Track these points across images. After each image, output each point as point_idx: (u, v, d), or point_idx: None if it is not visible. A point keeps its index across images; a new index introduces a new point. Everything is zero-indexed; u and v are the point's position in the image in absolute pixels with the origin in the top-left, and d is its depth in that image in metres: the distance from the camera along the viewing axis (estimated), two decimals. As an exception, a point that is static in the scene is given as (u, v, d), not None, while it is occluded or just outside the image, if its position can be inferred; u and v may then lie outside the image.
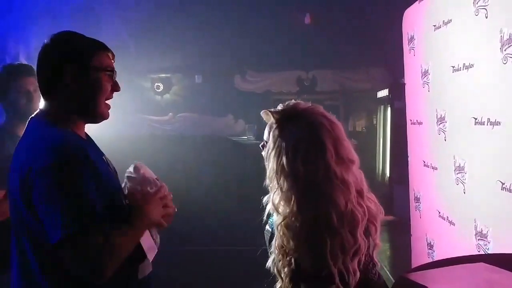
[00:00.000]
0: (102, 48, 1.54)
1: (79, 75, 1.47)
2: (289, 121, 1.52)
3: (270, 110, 1.60)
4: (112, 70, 1.55)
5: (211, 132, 9.13)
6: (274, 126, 1.54)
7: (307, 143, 1.46)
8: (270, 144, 1.53)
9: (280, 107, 1.59)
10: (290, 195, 1.45)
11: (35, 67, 1.68)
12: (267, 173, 1.54)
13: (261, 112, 1.64)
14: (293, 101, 1.60)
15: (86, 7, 7.07)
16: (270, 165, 1.51)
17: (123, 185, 1.68)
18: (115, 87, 1.56)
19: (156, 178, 1.70)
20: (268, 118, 1.61)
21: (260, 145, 1.69)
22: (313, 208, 1.42)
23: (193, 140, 8.61)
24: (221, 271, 4.65)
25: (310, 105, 1.57)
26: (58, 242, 1.30)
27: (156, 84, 9.85)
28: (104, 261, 1.33)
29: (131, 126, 8.71)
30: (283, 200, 1.48)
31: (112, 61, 1.57)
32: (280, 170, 1.47)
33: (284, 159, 1.46)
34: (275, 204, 1.50)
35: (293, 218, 1.45)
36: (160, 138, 8.84)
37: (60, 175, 1.33)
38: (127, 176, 1.70)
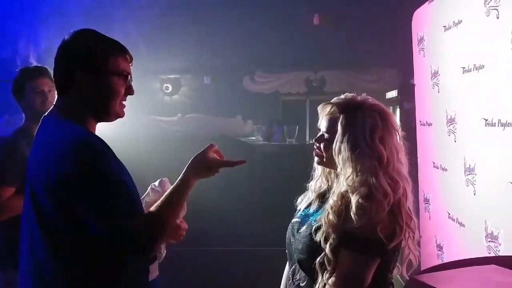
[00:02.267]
0: (118, 50, 1.52)
1: (92, 78, 1.47)
2: (356, 111, 1.61)
3: (331, 102, 1.68)
4: (127, 75, 1.53)
5: (220, 133, 9.12)
6: (342, 116, 1.62)
7: (382, 129, 1.58)
8: (341, 132, 1.59)
9: (335, 100, 1.68)
10: (369, 177, 1.52)
11: (45, 65, 1.68)
12: (339, 161, 1.59)
13: (320, 105, 1.73)
14: (347, 94, 1.70)
15: (97, 8, 7.10)
16: (344, 153, 1.57)
17: (143, 195, 1.73)
18: (129, 91, 1.55)
19: None
20: (326, 111, 1.70)
21: (315, 139, 1.73)
22: (395, 188, 1.53)
23: (201, 141, 8.56)
24: (228, 272, 4.65)
25: (366, 97, 1.68)
26: (104, 233, 1.34)
27: (165, 85, 9.87)
28: (152, 239, 1.41)
29: (139, 126, 8.73)
30: (358, 183, 1.53)
31: (130, 64, 1.55)
32: (359, 154, 1.54)
33: (363, 143, 1.55)
34: (351, 187, 1.54)
35: (372, 198, 1.50)
36: (169, 139, 8.85)
37: (96, 169, 1.34)
38: (152, 188, 1.75)
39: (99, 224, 1.34)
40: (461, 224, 2.68)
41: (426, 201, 3.38)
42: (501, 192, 2.17)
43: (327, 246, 1.53)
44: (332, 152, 1.63)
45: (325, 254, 1.54)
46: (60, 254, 1.40)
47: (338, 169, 1.62)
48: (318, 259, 1.56)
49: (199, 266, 4.79)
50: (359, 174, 1.54)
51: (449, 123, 2.80)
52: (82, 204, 1.35)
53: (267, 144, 7.90)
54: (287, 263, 1.81)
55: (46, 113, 1.55)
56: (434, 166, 3.13)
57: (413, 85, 3.70)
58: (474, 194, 2.47)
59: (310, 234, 1.62)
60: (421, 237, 3.51)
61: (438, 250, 3.09)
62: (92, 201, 1.34)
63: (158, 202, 1.51)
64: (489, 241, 2.29)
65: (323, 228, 1.56)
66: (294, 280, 1.72)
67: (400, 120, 7.94)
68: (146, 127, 9.18)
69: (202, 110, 9.79)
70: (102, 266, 1.40)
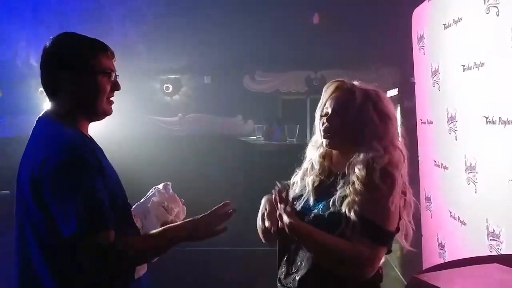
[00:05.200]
0: (99, 49, 1.56)
1: (77, 79, 1.51)
2: (366, 85, 1.74)
3: (340, 80, 1.78)
4: (111, 72, 1.56)
5: (220, 133, 9.14)
6: (358, 89, 1.70)
7: (388, 97, 1.75)
8: (362, 102, 1.68)
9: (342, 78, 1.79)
10: (394, 139, 1.70)
11: None
12: (366, 131, 1.67)
13: (328, 84, 1.79)
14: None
15: (96, 9, 7.11)
16: (372, 119, 1.67)
17: (148, 195, 1.77)
18: (115, 87, 1.59)
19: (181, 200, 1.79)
20: (334, 89, 1.76)
21: (327, 119, 1.73)
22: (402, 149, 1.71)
23: (202, 141, 8.62)
24: (228, 271, 4.65)
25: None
26: (70, 237, 1.35)
27: (165, 85, 9.89)
28: (110, 261, 1.38)
29: (140, 127, 8.75)
30: (386, 147, 1.65)
31: (112, 61, 1.58)
32: (386, 118, 1.69)
33: (386, 108, 1.70)
34: (379, 152, 1.64)
35: (395, 163, 1.65)
36: (169, 139, 8.86)
37: (72, 172, 1.37)
38: (157, 190, 1.78)
39: (67, 227, 1.35)
40: (462, 222, 2.67)
41: (428, 199, 3.38)
42: (502, 190, 2.17)
43: (352, 212, 1.57)
44: (350, 127, 1.68)
45: (350, 223, 1.58)
46: (47, 253, 1.43)
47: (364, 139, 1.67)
48: (339, 230, 1.59)
49: (198, 266, 4.80)
50: (383, 138, 1.65)
51: (450, 121, 2.80)
52: (54, 204, 1.38)
53: (268, 144, 7.91)
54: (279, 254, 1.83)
55: (41, 114, 1.58)
56: (435, 165, 3.13)
57: (414, 84, 3.69)
58: (475, 193, 2.47)
59: (322, 219, 1.65)
60: (423, 236, 3.52)
61: (440, 249, 3.08)
62: (62, 205, 1.36)
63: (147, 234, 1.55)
64: (490, 240, 2.29)
65: (349, 198, 1.60)
66: (290, 272, 1.74)
67: (401, 119, 7.93)
68: (147, 127, 9.20)
69: (202, 110, 9.80)
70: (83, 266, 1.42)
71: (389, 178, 1.60)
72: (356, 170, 1.62)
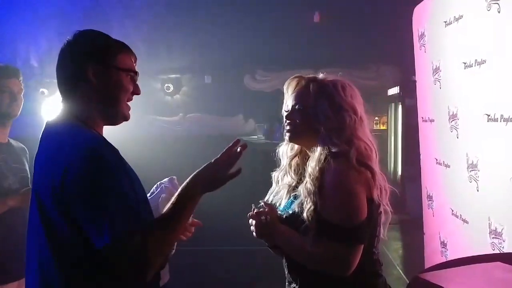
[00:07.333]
0: (125, 49, 1.52)
1: (101, 73, 1.44)
2: (323, 79, 1.73)
3: (298, 76, 1.77)
4: (135, 72, 1.53)
5: (221, 132, 9.13)
6: (312, 84, 1.71)
7: (350, 88, 1.70)
8: (316, 96, 1.68)
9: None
10: (352, 132, 1.64)
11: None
12: (320, 125, 1.66)
13: (286, 82, 1.79)
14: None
15: (96, 9, 7.10)
16: (325, 112, 1.65)
17: (153, 190, 1.77)
18: (136, 90, 1.53)
19: None
20: (293, 86, 1.77)
21: (286, 117, 1.76)
22: (367, 145, 1.66)
23: (203, 140, 8.61)
24: (230, 271, 4.65)
25: None
26: (103, 248, 1.26)
27: (166, 85, 9.89)
28: (149, 261, 1.31)
29: (141, 127, 8.73)
30: (342, 141, 1.62)
31: (134, 64, 1.54)
32: (338, 110, 1.65)
33: (340, 99, 1.66)
34: (334, 147, 1.62)
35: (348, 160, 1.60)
36: (170, 139, 8.85)
37: (99, 178, 1.29)
38: (164, 186, 1.76)
39: (101, 237, 1.27)
40: (464, 220, 2.66)
41: (429, 198, 3.37)
42: (504, 188, 2.16)
43: (305, 213, 1.59)
44: (308, 122, 1.68)
45: (305, 223, 1.59)
46: (68, 268, 1.35)
47: (320, 133, 1.66)
48: (302, 227, 1.61)
49: (200, 265, 4.79)
50: (342, 131, 1.63)
51: (451, 119, 2.79)
52: (84, 216, 1.30)
53: (269, 143, 7.89)
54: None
55: (54, 118, 1.49)
56: (437, 163, 3.12)
57: (415, 82, 3.68)
58: (477, 191, 2.46)
59: (290, 219, 1.68)
60: (425, 234, 3.51)
61: (442, 247, 3.07)
62: (92, 216, 1.28)
63: (160, 216, 1.43)
64: (493, 238, 2.28)
65: (301, 197, 1.62)
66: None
67: (402, 117, 7.93)
68: (148, 127, 9.18)
69: (203, 109, 9.79)
70: (110, 280, 1.34)
71: (343, 174, 1.58)
72: (310, 168, 1.64)
